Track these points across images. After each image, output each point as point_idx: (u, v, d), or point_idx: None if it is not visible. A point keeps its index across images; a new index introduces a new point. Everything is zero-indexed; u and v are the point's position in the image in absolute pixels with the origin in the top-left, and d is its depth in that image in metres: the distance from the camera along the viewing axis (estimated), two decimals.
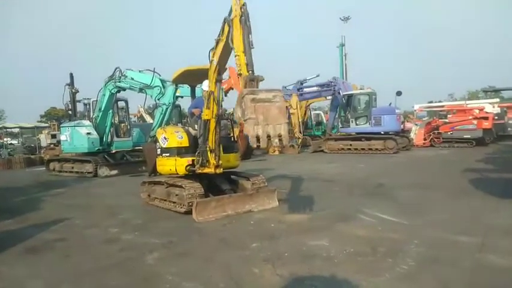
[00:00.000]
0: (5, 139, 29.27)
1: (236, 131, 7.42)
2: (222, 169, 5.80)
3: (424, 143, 18.88)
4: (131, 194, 7.79)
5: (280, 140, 4.51)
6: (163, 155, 6.40)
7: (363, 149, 16.61)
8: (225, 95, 17.06)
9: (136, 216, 6.00)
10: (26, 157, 19.56)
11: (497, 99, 26.16)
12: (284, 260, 3.64)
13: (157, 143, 6.63)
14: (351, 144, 17.10)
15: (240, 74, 5.07)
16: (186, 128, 6.72)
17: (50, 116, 46.30)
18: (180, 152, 6.15)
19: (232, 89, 17.63)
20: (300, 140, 18.70)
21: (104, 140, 12.95)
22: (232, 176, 6.65)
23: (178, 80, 7.65)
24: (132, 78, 11.46)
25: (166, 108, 11.14)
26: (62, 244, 4.62)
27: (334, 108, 19.77)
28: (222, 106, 6.45)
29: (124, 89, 12.03)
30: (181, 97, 12.12)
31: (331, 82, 19.09)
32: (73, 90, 14.05)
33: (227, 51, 5.29)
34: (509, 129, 21.09)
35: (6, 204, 7.76)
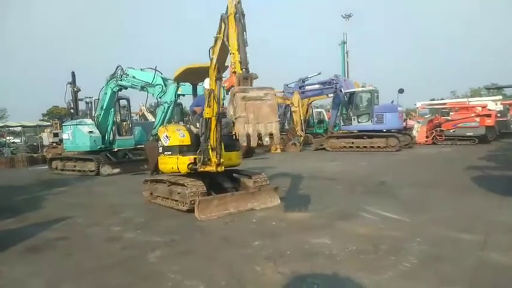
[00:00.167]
0: (8, 138, 29.35)
1: None
2: (223, 167, 5.80)
3: (426, 141, 18.83)
4: (133, 192, 7.80)
5: (271, 138, 4.47)
6: (165, 153, 6.41)
7: (364, 146, 16.60)
8: (227, 93, 17.09)
9: (139, 214, 6.01)
10: (28, 156, 19.61)
11: (500, 97, 26.08)
12: (286, 258, 3.63)
13: (159, 142, 6.63)
14: (352, 142, 17.08)
15: (234, 72, 5.06)
16: (188, 126, 6.71)
17: (52, 115, 46.43)
18: (182, 150, 6.15)
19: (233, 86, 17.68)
20: (302, 138, 18.67)
21: (106, 138, 12.99)
22: (234, 174, 6.65)
23: (180, 78, 7.64)
24: (134, 77, 11.46)
25: (168, 107, 11.14)
26: (63, 243, 4.63)
27: (336, 106, 19.73)
28: (223, 104, 6.45)
29: (126, 88, 12.04)
30: (183, 95, 12.11)
31: (333, 80, 19.04)
32: (75, 89, 14.07)
33: (225, 48, 5.29)
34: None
35: (8, 203, 7.78)
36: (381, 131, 16.46)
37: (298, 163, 12.97)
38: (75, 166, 13.03)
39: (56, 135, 22.10)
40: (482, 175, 8.20)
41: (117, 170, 12.30)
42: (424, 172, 9.68)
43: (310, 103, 22.23)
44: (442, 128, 18.62)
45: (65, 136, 13.66)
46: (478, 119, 17.53)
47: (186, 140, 6.23)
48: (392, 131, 16.44)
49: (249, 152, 15.21)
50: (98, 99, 12.84)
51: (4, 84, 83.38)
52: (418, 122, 20.53)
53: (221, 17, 5.23)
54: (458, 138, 17.89)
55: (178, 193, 5.94)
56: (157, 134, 7.38)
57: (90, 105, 14.42)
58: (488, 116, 17.63)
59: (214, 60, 5.47)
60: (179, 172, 6.13)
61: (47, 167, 14.77)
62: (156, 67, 11.09)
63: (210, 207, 5.44)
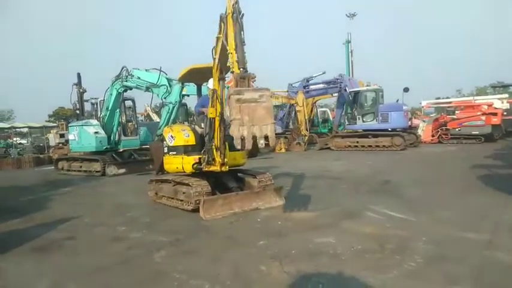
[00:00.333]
0: (15, 139, 29.61)
1: None
2: (228, 167, 5.81)
3: (431, 140, 18.75)
4: (139, 192, 7.84)
5: (266, 140, 4.46)
6: (170, 153, 6.43)
7: (369, 146, 16.55)
8: None
9: (144, 214, 6.04)
10: (35, 156, 19.77)
11: (506, 95, 25.86)
12: (291, 258, 3.64)
13: (164, 142, 6.66)
14: (357, 142, 17.03)
15: (232, 72, 5.06)
16: (193, 126, 6.74)
17: (58, 116, 46.76)
18: (186, 150, 6.17)
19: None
20: (307, 138, 18.65)
21: (112, 139, 13.06)
22: (238, 174, 6.66)
23: (185, 79, 7.66)
24: (139, 78, 11.52)
25: (173, 107, 11.19)
26: (70, 243, 4.67)
27: (341, 106, 19.69)
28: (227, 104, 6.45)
29: (131, 88, 12.11)
30: (188, 96, 12.16)
31: (338, 79, 19.01)
32: (80, 90, 14.16)
33: (226, 48, 5.30)
34: None
35: (15, 203, 7.85)
36: (386, 130, 16.40)
37: (303, 162, 12.96)
38: (81, 166, 13.11)
39: (62, 136, 22.30)
40: (488, 174, 8.15)
41: (122, 170, 12.37)
42: (429, 171, 9.64)
43: (315, 102, 22.20)
44: (447, 127, 18.51)
45: (70, 137, 13.76)
46: (484, 118, 17.41)
47: (191, 140, 6.25)
48: (398, 130, 16.38)
49: (253, 152, 15.22)
50: (104, 100, 12.92)
51: (11, 85, 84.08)
52: (424, 121, 20.43)
53: (220, 17, 5.24)
54: (464, 136, 17.79)
55: (183, 193, 5.96)
56: (162, 134, 7.41)
57: (95, 106, 14.52)
58: (494, 114, 17.53)
59: (217, 61, 5.48)
60: (184, 172, 6.15)
61: (53, 167, 14.87)
62: (160, 68, 11.16)
63: (215, 206, 5.46)
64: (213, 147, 5.62)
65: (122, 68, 11.79)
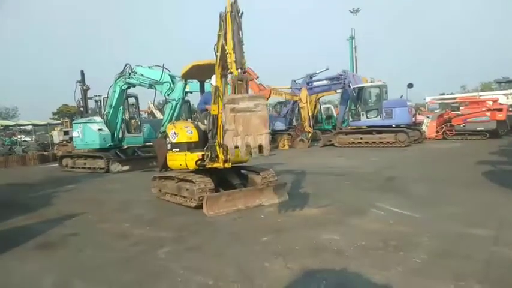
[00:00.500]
0: (19, 136, 29.75)
1: None
2: (231, 164, 5.80)
3: (436, 136, 18.64)
4: (143, 189, 7.86)
5: (260, 151, 4.43)
6: (174, 150, 6.43)
7: (373, 142, 16.49)
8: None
9: (148, 211, 6.06)
10: (39, 154, 19.89)
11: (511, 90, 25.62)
12: (295, 254, 3.63)
13: (168, 138, 6.66)
14: (361, 138, 16.97)
15: (231, 72, 5.03)
16: (196, 123, 6.73)
17: (62, 113, 47.03)
18: (190, 146, 6.17)
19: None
20: (310, 134, 18.61)
21: (115, 136, 13.10)
22: (242, 171, 6.65)
23: (187, 75, 7.64)
24: (142, 75, 11.52)
25: (176, 104, 11.18)
26: (74, 239, 4.69)
27: (345, 102, 19.64)
28: None
29: (134, 86, 12.11)
30: (191, 92, 12.13)
31: (341, 75, 18.94)
32: (84, 88, 14.23)
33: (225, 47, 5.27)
34: None
35: (20, 200, 7.91)
36: (390, 126, 16.33)
37: (306, 159, 12.94)
38: (85, 164, 13.18)
39: (66, 133, 22.39)
40: (493, 170, 8.09)
41: (126, 167, 12.43)
42: (434, 167, 9.59)
43: (318, 99, 22.16)
44: (452, 123, 18.39)
45: (74, 134, 13.82)
46: (489, 113, 17.28)
47: (194, 137, 6.25)
48: (402, 126, 16.30)
49: None
50: (107, 97, 12.95)
51: (15, 83, 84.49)
52: (428, 117, 20.31)
53: (220, 15, 5.21)
54: (469, 133, 17.67)
55: (187, 190, 5.96)
56: (165, 131, 7.41)
57: (99, 103, 14.55)
58: (500, 110, 17.37)
59: (219, 57, 5.46)
60: (187, 169, 6.15)
61: (57, 164, 14.96)
62: (163, 65, 11.14)
63: (218, 203, 5.46)
64: (216, 144, 5.62)
65: (125, 65, 11.81)
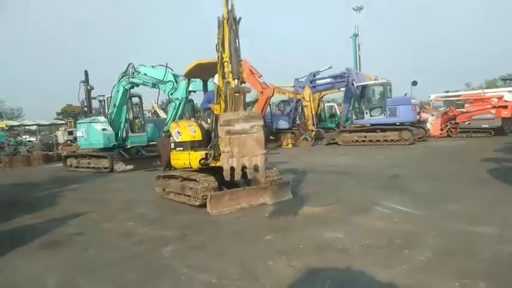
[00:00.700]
0: (24, 136, 29.93)
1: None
2: None
3: (440, 134, 18.54)
4: (147, 188, 7.88)
5: (256, 169, 4.42)
6: (177, 149, 6.44)
7: (378, 140, 16.42)
8: None
9: (152, 210, 6.08)
10: (44, 154, 19.98)
11: None
12: (298, 252, 3.62)
13: (171, 138, 6.67)
14: (365, 136, 16.90)
15: (228, 82, 5.01)
16: (199, 122, 6.73)
17: (66, 113, 47.26)
18: (193, 145, 6.17)
19: (245, 82, 17.63)
20: (314, 133, 18.56)
21: (119, 135, 13.14)
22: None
23: (190, 74, 7.64)
24: (145, 74, 11.54)
25: (179, 103, 11.19)
26: (79, 238, 4.71)
27: (348, 100, 19.55)
28: None
29: (137, 85, 12.14)
30: (194, 92, 12.14)
31: (345, 73, 18.85)
32: (88, 88, 14.26)
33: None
34: None
35: (25, 200, 7.96)
36: (394, 124, 16.25)
37: (310, 158, 12.92)
38: (89, 163, 13.23)
39: (70, 133, 22.47)
40: (498, 167, 8.03)
41: (130, 167, 12.47)
42: (438, 165, 9.54)
43: (322, 97, 22.08)
44: (456, 121, 18.28)
45: (78, 134, 13.88)
46: (493, 111, 17.14)
47: (198, 136, 6.25)
48: (406, 124, 16.20)
49: None
50: (111, 97, 12.98)
51: (20, 84, 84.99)
52: (432, 115, 20.20)
53: (218, 19, 5.17)
54: (474, 130, 17.55)
55: (191, 188, 5.97)
56: (169, 130, 7.42)
57: (103, 103, 14.59)
58: (505, 107, 17.21)
59: (220, 57, 5.45)
60: (191, 167, 6.15)
61: (62, 164, 15.03)
62: (167, 64, 11.15)
63: (222, 202, 5.46)
64: (219, 142, 5.61)
65: (129, 65, 11.83)
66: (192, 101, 14.37)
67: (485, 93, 21.26)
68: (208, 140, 6.04)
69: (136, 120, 13.98)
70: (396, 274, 3.00)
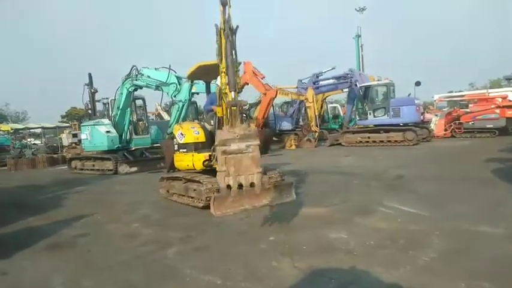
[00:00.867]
0: (29, 139, 30.10)
1: (252, 126, 7.38)
2: None
3: (444, 134, 18.45)
4: (151, 190, 7.90)
5: (252, 186, 4.42)
6: (181, 150, 6.46)
7: (381, 141, 16.35)
8: (240, 91, 17.12)
9: (156, 211, 6.09)
10: (48, 156, 20.06)
11: None
12: (302, 253, 3.62)
13: (175, 139, 6.69)
14: (369, 137, 16.84)
15: (225, 93, 5.01)
16: (202, 123, 6.75)
17: (70, 116, 47.48)
18: (197, 147, 6.19)
19: (248, 84, 17.66)
20: (317, 134, 18.54)
21: (123, 137, 13.21)
22: None
23: (193, 76, 7.68)
24: (149, 76, 11.59)
25: (183, 105, 11.23)
26: (84, 239, 4.74)
27: (351, 101, 19.51)
28: None
29: (141, 87, 12.20)
30: (197, 94, 12.18)
31: (348, 74, 18.82)
32: (92, 90, 14.34)
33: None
34: None
35: (30, 202, 8.00)
36: (398, 124, 16.18)
37: (314, 159, 12.91)
38: (93, 165, 13.29)
39: (75, 135, 22.61)
40: (503, 167, 7.98)
41: (134, 169, 12.52)
42: (442, 165, 9.50)
43: (325, 98, 22.07)
44: (460, 121, 18.19)
45: (83, 136, 13.96)
46: (498, 111, 17.02)
47: (201, 137, 6.27)
48: (410, 124, 16.14)
49: (263, 149, 15.19)
50: (114, 99, 13.05)
51: (24, 87, 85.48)
52: (436, 115, 20.11)
53: (215, 27, 5.14)
54: (478, 130, 17.44)
55: (194, 190, 5.98)
56: (172, 132, 7.44)
57: (107, 106, 14.67)
58: (509, 107, 17.10)
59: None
60: (195, 169, 6.17)
61: (66, 167, 15.11)
62: (170, 66, 11.19)
63: (226, 203, 5.46)
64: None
65: (132, 67, 11.89)
66: (195, 103, 14.42)
67: (489, 93, 21.13)
68: (211, 141, 6.04)
69: (140, 122, 14.05)
70: (400, 275, 2.99)
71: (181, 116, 11.29)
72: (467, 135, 17.70)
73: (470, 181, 6.79)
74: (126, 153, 13.15)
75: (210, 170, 6.00)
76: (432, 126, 18.86)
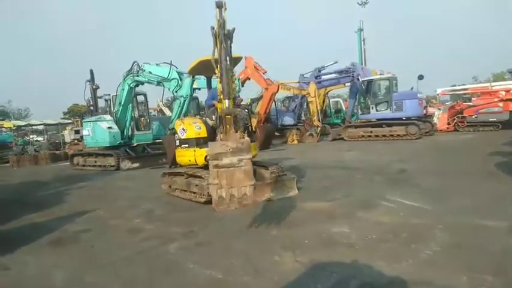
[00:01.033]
0: (31, 136, 30.19)
1: (254, 121, 7.38)
2: None
3: (447, 128, 18.37)
4: (153, 185, 7.91)
5: (245, 198, 4.41)
6: (183, 146, 6.45)
7: (384, 135, 16.32)
8: (242, 86, 17.06)
9: (158, 207, 6.10)
10: (51, 153, 20.15)
11: None
12: (304, 247, 3.62)
13: (176, 135, 6.68)
14: (371, 131, 16.80)
15: (220, 100, 4.95)
16: (204, 118, 6.73)
17: (73, 113, 47.57)
18: (198, 142, 6.17)
19: (249, 79, 17.62)
20: (319, 129, 18.50)
21: (125, 133, 13.22)
22: None
23: (194, 71, 7.64)
24: (150, 72, 11.57)
25: (184, 100, 11.22)
26: (86, 235, 4.75)
27: (354, 95, 19.45)
28: (238, 96, 6.42)
29: (142, 83, 12.18)
30: (199, 89, 12.16)
31: (350, 68, 18.74)
32: (94, 87, 14.34)
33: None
34: None
35: (33, 198, 8.03)
36: (401, 118, 16.12)
37: (316, 153, 12.88)
38: (95, 162, 13.32)
39: (77, 132, 22.60)
40: (506, 161, 7.93)
41: (136, 165, 12.53)
42: (445, 159, 9.46)
43: (327, 93, 21.97)
44: (463, 115, 18.09)
45: (85, 132, 13.98)
46: (501, 104, 16.93)
47: (203, 133, 6.25)
48: (412, 118, 16.06)
49: (266, 144, 15.18)
50: (116, 95, 13.05)
51: (26, 84, 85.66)
52: (439, 109, 20.00)
53: (211, 30, 5.01)
54: (481, 124, 17.36)
55: (196, 185, 5.98)
56: (174, 127, 7.43)
57: (109, 102, 14.67)
58: None
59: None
60: (196, 164, 6.16)
61: (68, 163, 15.15)
62: (171, 61, 11.18)
63: None
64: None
65: (133, 63, 11.86)
66: (196, 98, 14.40)
67: (492, 86, 21.00)
68: (213, 136, 6.04)
69: (142, 118, 14.04)
70: (403, 268, 2.98)
71: (183, 111, 11.28)
72: (470, 128, 17.63)
73: (473, 175, 6.76)
74: (128, 149, 13.17)
75: None
76: (435, 120, 18.77)
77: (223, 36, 4.71)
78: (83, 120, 15.33)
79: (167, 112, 25.16)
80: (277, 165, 6.38)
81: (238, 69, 16.62)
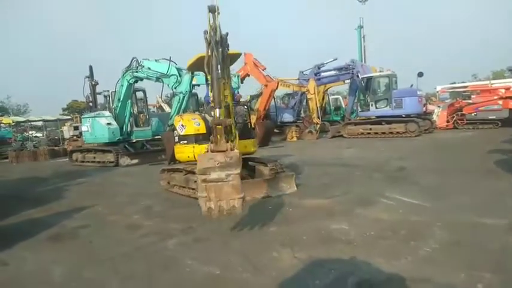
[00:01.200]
0: (30, 132, 30.16)
1: (253, 118, 7.35)
2: None
3: (447, 125, 18.35)
4: (152, 181, 7.91)
5: (234, 210, 4.40)
6: (181, 142, 6.43)
7: (383, 132, 16.31)
8: (241, 82, 17.03)
9: (157, 203, 6.09)
10: (50, 149, 20.10)
11: None
12: (303, 244, 3.62)
13: (175, 131, 6.67)
14: (370, 129, 16.79)
15: (213, 106, 4.92)
16: (203, 115, 6.71)
17: (72, 109, 47.48)
18: (197, 138, 6.16)
19: (249, 75, 17.59)
20: (319, 126, 18.48)
21: (124, 129, 13.20)
22: (249, 162, 6.64)
23: (194, 67, 7.58)
24: (149, 68, 11.53)
25: (183, 97, 11.20)
26: (85, 231, 4.74)
27: (353, 92, 19.43)
28: (238, 92, 6.40)
29: (141, 79, 12.14)
30: (198, 85, 12.14)
31: (350, 65, 18.70)
32: (93, 83, 14.31)
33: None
34: None
35: (31, 194, 8.01)
36: (400, 116, 16.11)
37: (315, 151, 12.88)
38: (94, 158, 13.30)
39: (76, 128, 22.56)
40: (505, 159, 7.93)
41: (135, 161, 12.51)
42: (444, 157, 9.46)
43: (326, 90, 21.95)
44: (463, 112, 18.08)
45: (84, 128, 13.95)
46: (501, 102, 16.92)
47: (202, 129, 6.23)
48: (412, 115, 16.06)
49: (265, 141, 15.15)
50: (115, 91, 13.02)
51: (25, 80, 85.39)
52: (439, 107, 19.99)
53: (204, 34, 4.73)
54: (480, 121, 17.35)
55: (195, 181, 5.96)
56: (173, 124, 7.41)
57: (108, 98, 14.63)
58: None
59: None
60: (195, 161, 6.14)
61: (67, 159, 15.13)
62: (170, 57, 11.14)
63: None
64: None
65: (132, 59, 11.82)
66: (196, 94, 14.38)
67: (492, 84, 20.97)
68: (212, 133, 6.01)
69: (141, 114, 14.02)
70: (401, 265, 2.98)
71: (182, 107, 11.27)
72: (470, 126, 17.62)
73: (472, 172, 6.75)
74: (127, 146, 13.16)
75: None
76: (434, 117, 18.76)
77: (215, 43, 4.58)
78: (82, 116, 15.29)
79: (166, 108, 25.13)
80: (276, 162, 6.38)
81: (237, 65, 16.61)
